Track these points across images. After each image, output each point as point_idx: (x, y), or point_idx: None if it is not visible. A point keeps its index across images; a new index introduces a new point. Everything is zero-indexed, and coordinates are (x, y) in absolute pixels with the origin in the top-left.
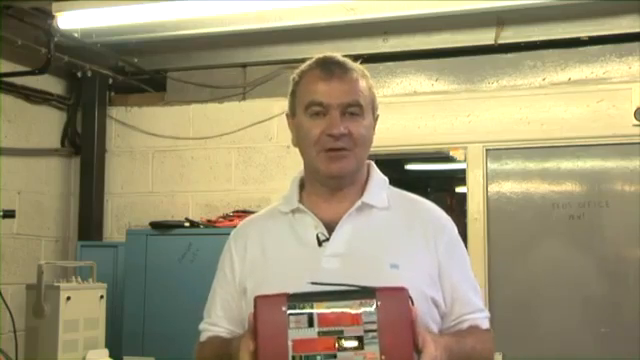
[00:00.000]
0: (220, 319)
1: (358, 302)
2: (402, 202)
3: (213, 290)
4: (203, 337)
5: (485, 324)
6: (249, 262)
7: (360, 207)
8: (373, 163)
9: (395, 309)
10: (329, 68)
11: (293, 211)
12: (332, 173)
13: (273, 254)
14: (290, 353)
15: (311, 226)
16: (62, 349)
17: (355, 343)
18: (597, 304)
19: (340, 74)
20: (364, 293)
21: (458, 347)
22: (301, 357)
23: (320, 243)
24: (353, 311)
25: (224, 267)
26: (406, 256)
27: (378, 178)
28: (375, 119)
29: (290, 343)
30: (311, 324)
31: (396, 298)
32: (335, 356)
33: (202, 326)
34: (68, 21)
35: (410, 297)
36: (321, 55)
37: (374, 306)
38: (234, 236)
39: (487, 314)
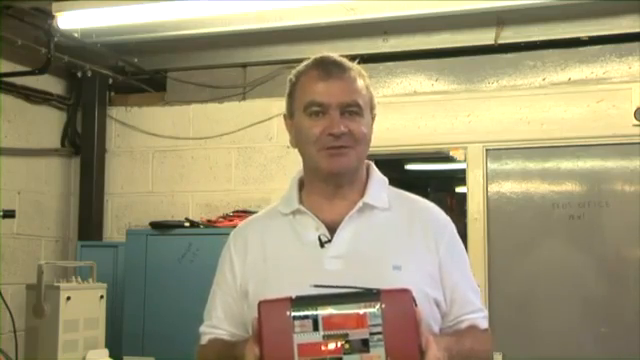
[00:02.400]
0: (221, 321)
1: (363, 304)
2: (402, 202)
3: (213, 292)
4: (204, 340)
5: (484, 324)
6: (250, 264)
7: (361, 208)
8: (372, 163)
9: (400, 311)
10: (327, 68)
11: (293, 212)
12: (333, 170)
13: (274, 256)
14: (296, 357)
15: (312, 227)
16: (62, 349)
17: (360, 346)
18: (597, 304)
19: (338, 73)
20: (368, 295)
21: (457, 347)
22: None
23: (322, 244)
24: (358, 313)
25: (224, 269)
26: (408, 257)
27: (378, 178)
28: (372, 118)
29: (295, 347)
30: (316, 328)
31: (401, 300)
32: (341, 359)
33: (202, 329)
34: (68, 21)
35: (413, 298)
36: (317, 55)
37: (379, 308)
38: (233, 237)
39: (485, 313)
